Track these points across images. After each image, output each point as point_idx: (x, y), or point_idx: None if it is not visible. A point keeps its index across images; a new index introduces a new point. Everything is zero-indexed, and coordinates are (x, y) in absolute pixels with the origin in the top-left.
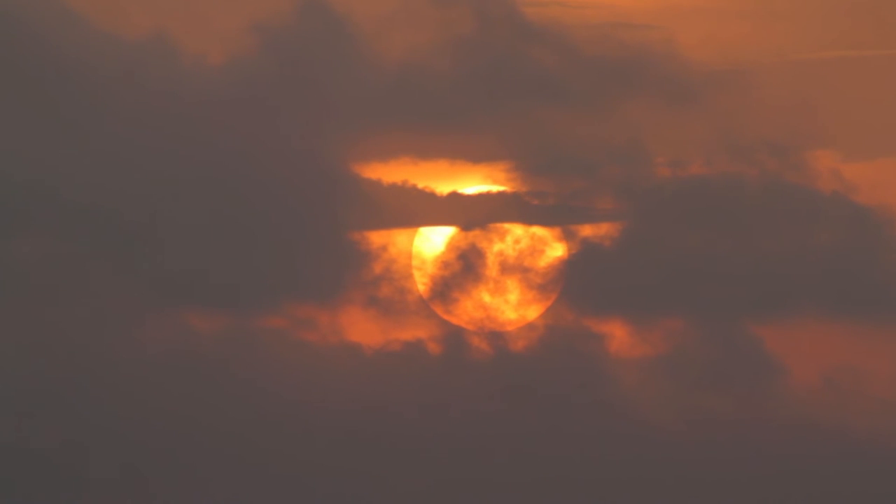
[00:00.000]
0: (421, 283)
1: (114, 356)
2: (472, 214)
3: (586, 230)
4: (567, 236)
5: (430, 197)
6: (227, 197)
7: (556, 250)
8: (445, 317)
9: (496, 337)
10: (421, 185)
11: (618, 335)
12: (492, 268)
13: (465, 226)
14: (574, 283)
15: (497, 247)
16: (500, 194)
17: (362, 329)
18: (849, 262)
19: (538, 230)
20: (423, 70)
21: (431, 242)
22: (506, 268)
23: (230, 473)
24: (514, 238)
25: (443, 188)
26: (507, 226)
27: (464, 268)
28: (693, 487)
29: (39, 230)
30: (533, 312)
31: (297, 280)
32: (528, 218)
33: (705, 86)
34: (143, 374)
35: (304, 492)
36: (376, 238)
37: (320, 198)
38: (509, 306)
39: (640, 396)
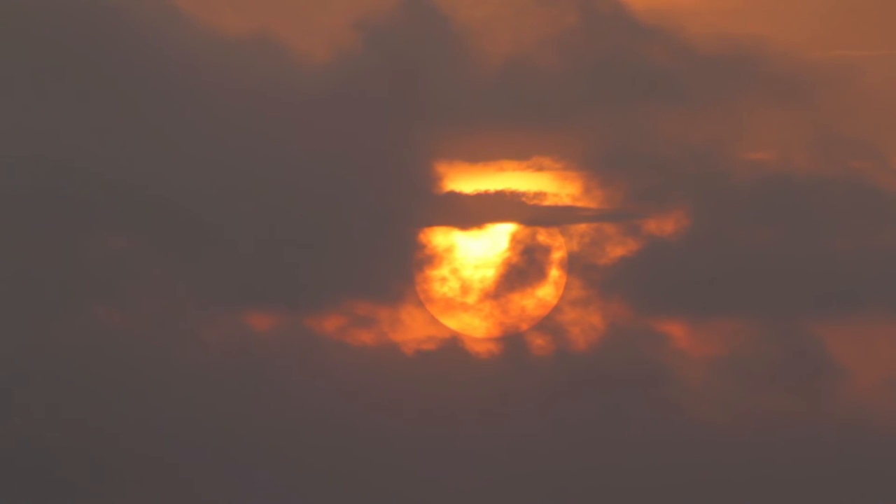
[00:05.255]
0: (483, 281)
1: (176, 355)
2: (538, 213)
3: (651, 227)
4: (631, 233)
5: (506, 196)
6: (308, 196)
7: (620, 248)
8: (504, 316)
9: (556, 336)
10: (504, 186)
11: (679, 334)
12: (554, 265)
13: (531, 223)
14: (637, 282)
15: (559, 243)
16: (567, 195)
17: (418, 328)
18: None
19: (603, 226)
20: (527, 68)
21: (495, 240)
22: (567, 265)
23: (283, 474)
24: (577, 235)
25: (524, 187)
26: (571, 223)
27: (526, 265)
28: (754, 487)
29: (115, 229)
30: (594, 311)
31: (355, 279)
32: (596, 215)
33: (809, 84)
34: (203, 373)
35: (361, 494)
36: (443, 237)
37: (398, 198)
38: (570, 304)
39: (702, 396)
